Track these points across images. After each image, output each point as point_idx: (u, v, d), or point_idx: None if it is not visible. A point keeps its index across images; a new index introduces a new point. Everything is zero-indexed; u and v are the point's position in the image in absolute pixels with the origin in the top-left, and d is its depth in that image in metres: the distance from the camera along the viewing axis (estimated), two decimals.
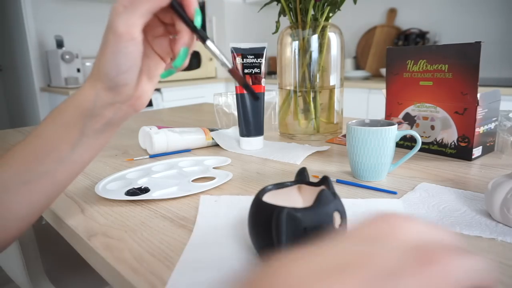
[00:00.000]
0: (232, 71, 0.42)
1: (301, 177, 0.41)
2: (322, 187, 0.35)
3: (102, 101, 0.38)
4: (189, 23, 0.38)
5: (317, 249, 0.17)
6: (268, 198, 0.38)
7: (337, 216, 0.33)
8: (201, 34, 0.39)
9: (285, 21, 0.87)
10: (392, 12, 2.73)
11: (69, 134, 0.38)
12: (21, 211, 0.39)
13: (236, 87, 0.78)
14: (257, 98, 0.42)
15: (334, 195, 0.35)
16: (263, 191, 0.38)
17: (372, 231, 0.18)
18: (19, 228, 0.40)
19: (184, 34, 0.38)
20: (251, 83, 0.77)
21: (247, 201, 0.51)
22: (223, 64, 0.41)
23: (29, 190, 0.38)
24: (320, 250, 0.17)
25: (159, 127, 0.79)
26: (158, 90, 2.75)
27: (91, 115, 0.38)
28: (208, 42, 0.40)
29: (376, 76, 2.72)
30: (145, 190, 0.55)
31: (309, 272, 0.15)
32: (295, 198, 0.40)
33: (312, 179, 0.40)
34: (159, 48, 0.41)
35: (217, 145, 0.83)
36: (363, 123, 0.61)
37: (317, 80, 0.86)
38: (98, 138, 0.40)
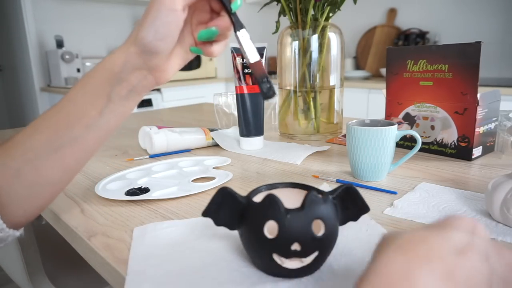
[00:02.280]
0: (254, 65, 0.41)
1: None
2: (313, 191, 0.33)
3: (131, 65, 0.39)
4: (231, 14, 0.40)
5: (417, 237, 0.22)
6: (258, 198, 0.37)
7: (319, 224, 0.32)
8: (236, 21, 0.40)
9: (285, 21, 0.87)
10: (392, 12, 2.73)
11: (98, 100, 0.39)
12: (54, 177, 0.40)
13: (236, 87, 0.78)
14: (268, 97, 0.40)
15: (325, 201, 0.33)
16: (255, 191, 0.37)
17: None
18: (52, 193, 0.41)
19: (223, 19, 0.41)
20: (251, 83, 0.77)
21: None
22: (247, 57, 0.41)
23: (61, 156, 0.39)
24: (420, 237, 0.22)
25: (159, 127, 0.79)
26: (158, 90, 2.75)
27: (118, 79, 0.39)
28: (242, 32, 0.41)
29: (376, 76, 2.72)
30: (145, 190, 0.55)
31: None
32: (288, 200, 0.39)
33: (312, 179, 0.40)
34: (196, 33, 0.43)
35: (217, 145, 0.83)
36: (363, 123, 0.61)
37: (317, 80, 0.86)
38: (124, 105, 0.41)
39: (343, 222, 0.35)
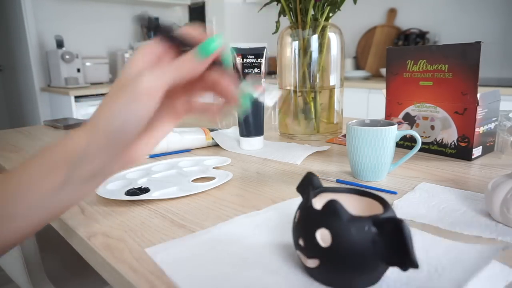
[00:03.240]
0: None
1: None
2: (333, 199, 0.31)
3: (94, 149, 0.34)
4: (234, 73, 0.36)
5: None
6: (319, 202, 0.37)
7: (323, 234, 0.30)
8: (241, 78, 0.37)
9: (285, 21, 0.87)
10: (392, 12, 2.73)
11: (53, 178, 0.34)
12: None
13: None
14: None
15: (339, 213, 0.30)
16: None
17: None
18: None
19: (224, 82, 0.37)
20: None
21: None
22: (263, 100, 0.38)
23: (1, 226, 0.35)
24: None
25: None
26: None
27: (80, 162, 0.34)
28: (246, 83, 0.37)
29: (376, 76, 2.72)
30: (145, 190, 0.55)
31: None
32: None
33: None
34: (175, 106, 0.39)
35: (217, 145, 0.83)
36: (363, 123, 0.61)
37: (317, 80, 0.86)
38: (82, 188, 0.36)
39: (388, 261, 0.30)
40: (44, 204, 0.35)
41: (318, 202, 0.37)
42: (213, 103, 0.39)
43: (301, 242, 0.32)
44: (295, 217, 0.34)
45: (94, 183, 0.37)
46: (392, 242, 0.29)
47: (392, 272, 0.33)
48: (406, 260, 0.28)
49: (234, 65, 0.37)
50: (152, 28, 0.36)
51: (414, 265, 0.27)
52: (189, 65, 0.34)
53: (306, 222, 0.32)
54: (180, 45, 0.36)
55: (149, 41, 0.36)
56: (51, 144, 0.36)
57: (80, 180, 0.35)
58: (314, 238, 0.31)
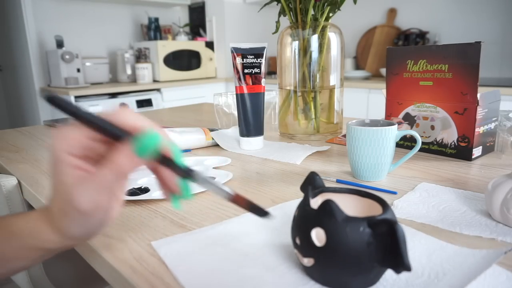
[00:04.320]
0: (234, 199, 0.35)
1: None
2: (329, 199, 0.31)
3: (66, 243, 0.35)
4: (176, 169, 0.33)
5: None
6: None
7: (318, 233, 0.30)
8: (191, 175, 0.33)
9: (285, 21, 0.87)
10: (392, 12, 2.73)
11: (30, 254, 0.35)
12: None
13: (236, 87, 0.78)
14: (268, 215, 0.35)
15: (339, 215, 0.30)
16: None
17: None
18: None
19: (170, 176, 0.34)
20: (251, 83, 0.77)
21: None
22: (222, 195, 0.35)
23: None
24: None
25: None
26: (158, 90, 2.75)
27: (54, 251, 0.36)
28: (199, 180, 0.33)
29: (376, 76, 2.72)
30: (145, 190, 0.55)
31: None
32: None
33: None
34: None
35: (217, 145, 0.83)
36: (363, 123, 0.61)
37: (317, 80, 0.86)
38: (33, 263, 0.37)
39: (382, 262, 0.30)
40: (34, 251, 0.36)
41: (317, 202, 0.37)
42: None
43: (297, 240, 0.32)
44: (294, 216, 0.35)
45: (45, 258, 0.37)
46: (386, 243, 0.29)
47: (391, 275, 0.33)
48: (399, 262, 0.28)
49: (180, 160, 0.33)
50: (68, 112, 0.30)
51: (407, 267, 0.27)
52: (127, 165, 0.31)
53: (302, 221, 0.32)
54: (106, 132, 0.31)
55: (66, 127, 0.31)
56: (19, 228, 0.35)
57: (30, 260, 0.36)
58: (309, 237, 0.31)
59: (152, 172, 0.36)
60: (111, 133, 0.31)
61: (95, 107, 2.47)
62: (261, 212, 0.35)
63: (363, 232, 0.29)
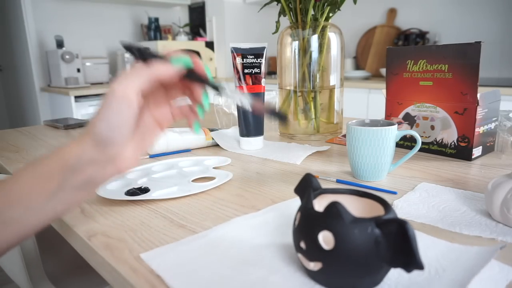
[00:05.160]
0: (255, 108, 0.41)
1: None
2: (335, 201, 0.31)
3: (87, 156, 0.37)
4: (208, 82, 0.40)
5: None
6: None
7: (325, 236, 0.30)
8: (219, 89, 0.40)
9: (285, 21, 0.87)
10: (392, 12, 2.73)
11: (46, 185, 0.37)
12: None
13: (236, 87, 0.78)
14: (286, 119, 0.41)
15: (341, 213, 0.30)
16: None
17: None
18: None
19: (198, 90, 0.41)
20: (251, 83, 0.77)
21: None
22: (244, 105, 0.41)
23: None
24: None
25: None
26: None
27: (73, 169, 0.37)
28: (226, 91, 0.41)
29: (376, 76, 2.72)
30: (145, 190, 0.55)
31: None
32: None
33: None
34: (158, 114, 0.43)
35: (217, 145, 0.83)
36: (363, 123, 0.61)
37: (317, 80, 0.86)
38: (76, 195, 0.38)
39: (391, 262, 0.29)
40: (38, 209, 0.37)
41: (319, 204, 0.37)
42: (187, 105, 0.43)
43: (302, 245, 0.32)
44: (295, 219, 0.34)
45: (86, 190, 0.39)
46: (395, 243, 0.29)
47: (393, 274, 0.33)
48: (411, 261, 0.27)
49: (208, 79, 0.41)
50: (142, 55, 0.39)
51: (419, 266, 0.27)
52: (161, 68, 0.38)
53: (307, 224, 0.32)
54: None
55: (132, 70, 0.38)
56: (44, 155, 0.38)
57: (73, 188, 0.37)
58: (316, 240, 0.30)
59: (183, 91, 0.43)
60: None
61: (95, 107, 2.48)
62: (280, 116, 0.40)
63: (371, 233, 0.29)
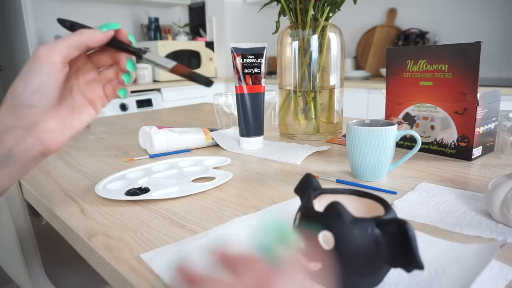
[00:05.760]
0: (175, 69, 0.41)
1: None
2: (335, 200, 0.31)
3: (2, 124, 0.35)
4: (130, 50, 0.42)
5: None
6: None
7: (325, 236, 0.30)
8: (140, 53, 0.42)
9: (285, 21, 0.87)
10: (392, 12, 2.73)
11: None
12: None
13: (236, 87, 0.78)
14: (210, 82, 0.41)
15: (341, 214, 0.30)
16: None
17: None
18: None
19: (124, 59, 0.42)
20: (251, 83, 0.77)
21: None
22: (164, 67, 0.42)
23: None
24: None
25: (159, 127, 0.79)
26: (158, 90, 2.75)
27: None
28: (147, 55, 0.42)
29: (376, 76, 2.72)
30: (145, 190, 0.55)
31: None
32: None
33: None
34: (90, 93, 0.42)
35: (217, 145, 0.83)
36: (363, 123, 0.61)
37: (317, 80, 0.86)
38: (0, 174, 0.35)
39: (391, 262, 0.30)
40: None
41: (319, 204, 0.37)
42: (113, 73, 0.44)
43: (302, 245, 0.32)
44: (295, 219, 0.34)
45: (8, 169, 0.36)
46: (395, 243, 0.29)
47: (393, 274, 0.33)
48: (411, 261, 0.27)
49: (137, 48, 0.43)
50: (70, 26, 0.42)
51: (420, 266, 0.27)
52: (91, 33, 0.38)
53: (307, 224, 0.32)
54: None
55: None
56: None
57: None
58: (316, 241, 0.30)
59: (112, 62, 0.43)
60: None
61: None
62: (202, 79, 0.39)
63: (371, 233, 0.29)
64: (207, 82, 0.40)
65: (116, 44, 0.41)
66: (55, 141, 0.38)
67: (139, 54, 0.42)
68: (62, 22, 0.42)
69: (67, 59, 0.37)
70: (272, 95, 1.06)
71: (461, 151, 0.68)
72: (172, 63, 0.42)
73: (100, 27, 0.39)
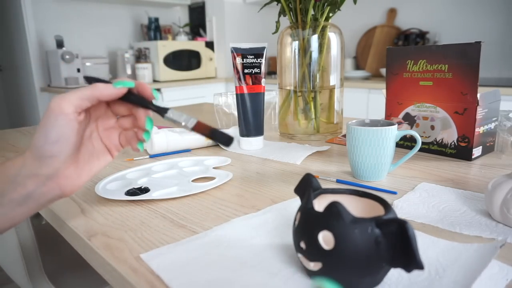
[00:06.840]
0: (196, 128, 0.41)
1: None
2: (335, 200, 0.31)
3: (27, 169, 0.37)
4: (150, 106, 0.41)
5: None
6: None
7: (325, 236, 0.30)
8: (162, 112, 0.42)
9: (285, 21, 0.87)
10: (392, 12, 2.73)
11: None
12: None
13: (236, 87, 0.78)
14: (230, 141, 0.40)
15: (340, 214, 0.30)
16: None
17: None
18: None
19: (142, 116, 0.42)
20: (251, 83, 0.77)
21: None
22: (185, 126, 0.41)
23: None
24: None
25: (159, 127, 0.79)
26: (158, 90, 2.75)
27: (12, 182, 0.37)
28: (168, 113, 0.42)
29: (376, 76, 2.72)
30: (145, 190, 0.55)
31: None
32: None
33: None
34: (107, 140, 0.44)
35: (217, 145, 0.83)
36: (363, 123, 0.61)
37: (317, 80, 0.86)
38: (15, 210, 0.38)
39: (391, 262, 0.29)
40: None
41: (319, 204, 0.37)
42: (132, 131, 0.44)
43: (302, 245, 0.32)
44: (295, 220, 0.34)
45: (27, 207, 0.39)
46: (395, 243, 0.29)
47: (393, 274, 0.33)
48: (411, 261, 0.27)
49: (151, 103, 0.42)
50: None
51: (419, 266, 0.27)
52: (102, 88, 0.39)
53: (307, 224, 0.32)
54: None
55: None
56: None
57: (13, 202, 0.38)
58: (316, 240, 0.30)
59: (129, 113, 0.44)
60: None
61: None
62: (223, 138, 0.38)
63: (371, 233, 0.29)
64: (227, 141, 0.39)
65: (135, 100, 0.41)
66: (73, 185, 0.40)
67: (161, 114, 0.42)
68: (88, 80, 0.42)
69: (79, 109, 0.38)
70: (272, 95, 1.06)
71: (461, 151, 0.68)
72: (192, 122, 0.41)
73: (114, 83, 0.40)
